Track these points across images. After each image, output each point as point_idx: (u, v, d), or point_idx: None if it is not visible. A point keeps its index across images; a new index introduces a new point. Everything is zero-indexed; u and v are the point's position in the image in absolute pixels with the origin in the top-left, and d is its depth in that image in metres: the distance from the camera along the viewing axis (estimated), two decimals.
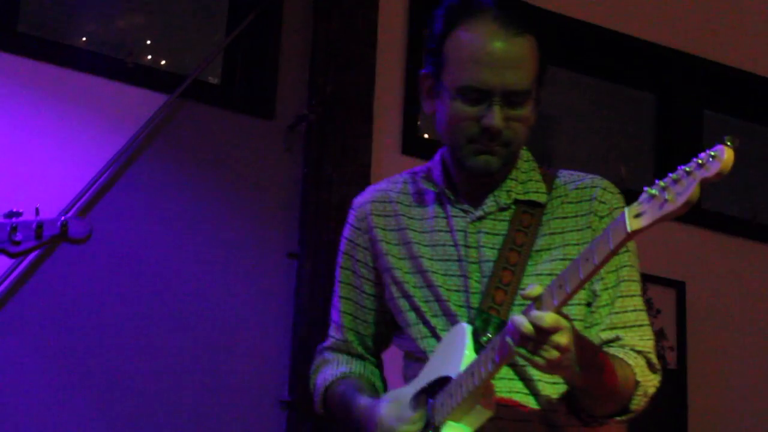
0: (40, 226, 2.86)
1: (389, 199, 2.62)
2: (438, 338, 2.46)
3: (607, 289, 2.46)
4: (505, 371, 2.37)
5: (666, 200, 1.94)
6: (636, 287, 2.49)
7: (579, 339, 2.19)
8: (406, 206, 2.60)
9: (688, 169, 1.92)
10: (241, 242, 4.56)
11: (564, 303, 2.12)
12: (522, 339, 2.13)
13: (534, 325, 2.11)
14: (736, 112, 5.70)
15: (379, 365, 2.73)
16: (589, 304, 2.46)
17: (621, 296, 2.46)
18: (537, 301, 2.14)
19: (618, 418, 2.40)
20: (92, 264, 4.25)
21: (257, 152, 4.67)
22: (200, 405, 4.36)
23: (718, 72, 5.61)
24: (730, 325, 5.36)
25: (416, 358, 2.50)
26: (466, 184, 2.52)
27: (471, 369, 2.28)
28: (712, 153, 1.90)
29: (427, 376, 2.41)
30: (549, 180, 2.54)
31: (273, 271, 4.59)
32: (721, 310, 5.36)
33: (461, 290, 2.45)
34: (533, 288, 2.16)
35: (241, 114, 4.69)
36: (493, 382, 2.30)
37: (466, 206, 2.51)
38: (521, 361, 2.26)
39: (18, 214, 2.89)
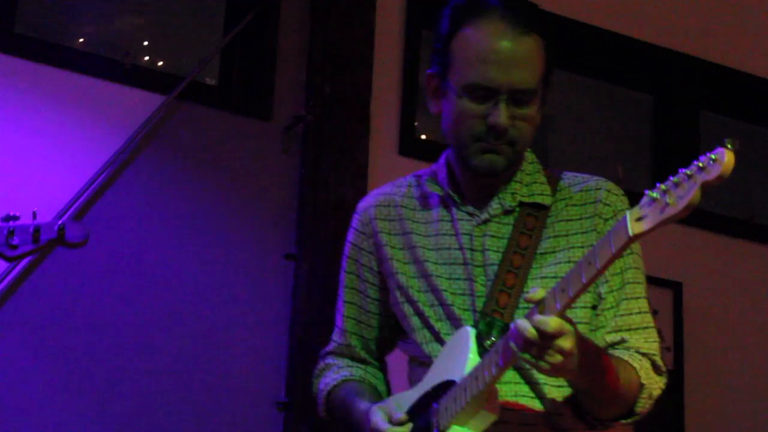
0: (37, 229, 2.86)
1: (393, 203, 2.62)
2: (442, 342, 2.45)
3: (612, 291, 2.46)
4: (511, 375, 2.37)
5: (667, 204, 1.94)
6: (641, 289, 2.49)
7: (581, 342, 2.19)
8: (411, 210, 2.59)
9: (689, 172, 1.92)
10: (239, 243, 4.55)
11: (567, 307, 2.12)
12: (526, 344, 2.13)
13: (538, 329, 2.11)
14: (733, 113, 5.70)
15: (383, 369, 2.73)
16: (594, 307, 2.45)
17: (626, 299, 2.46)
18: (540, 305, 2.14)
19: (623, 421, 2.41)
20: (89, 265, 4.24)
21: (254, 153, 4.67)
22: (197, 406, 4.36)
23: (715, 73, 5.61)
24: (726, 325, 5.36)
25: (421, 363, 2.50)
26: (471, 186, 2.52)
27: (475, 373, 2.28)
28: (713, 156, 1.90)
29: (431, 380, 2.42)
30: (553, 182, 2.54)
31: (270, 272, 4.58)
32: (718, 311, 5.36)
33: (466, 294, 2.45)
34: (536, 292, 2.16)
35: (239, 115, 4.68)
36: (498, 385, 2.30)
37: (471, 209, 2.51)
38: (526, 365, 2.26)
39: (15, 218, 2.89)
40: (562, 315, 2.12)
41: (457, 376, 2.34)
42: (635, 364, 2.39)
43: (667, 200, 1.94)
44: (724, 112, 5.69)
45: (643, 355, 2.43)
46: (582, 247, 2.43)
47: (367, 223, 2.64)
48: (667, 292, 5.23)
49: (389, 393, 2.67)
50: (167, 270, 4.41)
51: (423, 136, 5.03)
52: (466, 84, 2.41)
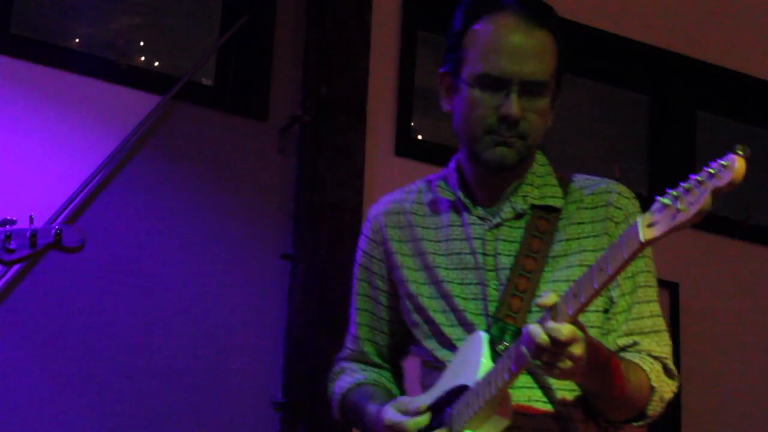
0: (34, 234, 2.87)
1: (403, 209, 2.61)
2: (454, 349, 2.45)
3: (624, 295, 2.45)
4: (524, 379, 2.37)
5: (678, 210, 1.95)
6: (653, 293, 2.49)
7: (590, 346, 2.19)
8: (420, 216, 2.58)
9: (699, 178, 1.93)
10: (235, 244, 4.55)
11: (579, 312, 2.11)
12: (537, 349, 2.13)
13: (550, 336, 2.11)
14: (729, 113, 5.71)
15: (398, 373, 2.72)
16: (605, 311, 2.45)
17: (638, 302, 2.46)
18: (552, 311, 2.14)
19: (634, 423, 2.41)
20: (85, 266, 4.23)
21: (251, 154, 4.66)
22: (194, 406, 4.36)
23: (712, 73, 5.62)
24: (723, 326, 5.37)
25: (434, 367, 2.50)
26: (482, 186, 2.51)
27: (488, 378, 2.28)
28: (724, 162, 1.90)
29: (444, 384, 2.41)
30: (564, 184, 2.53)
31: (267, 273, 4.58)
32: (715, 312, 5.37)
33: (479, 298, 2.45)
34: (548, 297, 2.15)
35: (235, 115, 4.68)
36: (511, 390, 2.30)
37: (482, 213, 2.50)
38: (538, 369, 2.25)
39: (12, 222, 2.90)
40: (574, 321, 2.12)
41: (470, 381, 2.33)
42: (646, 367, 2.39)
43: (679, 206, 1.94)
44: (721, 113, 5.69)
45: (655, 358, 2.43)
46: (594, 250, 2.42)
47: (377, 230, 2.63)
48: (664, 293, 5.23)
49: None
50: (163, 271, 4.41)
51: (419, 137, 5.02)
52: (478, 75, 2.41)
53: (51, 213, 4.19)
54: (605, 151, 5.50)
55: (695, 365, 5.23)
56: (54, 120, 4.35)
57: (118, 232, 4.36)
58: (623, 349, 2.44)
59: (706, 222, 5.93)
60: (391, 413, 2.41)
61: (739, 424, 5.31)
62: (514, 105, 2.39)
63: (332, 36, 4.76)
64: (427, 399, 2.42)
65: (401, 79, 4.93)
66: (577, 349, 2.13)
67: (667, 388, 2.43)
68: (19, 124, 4.30)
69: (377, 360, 2.70)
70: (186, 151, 4.55)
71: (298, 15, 4.83)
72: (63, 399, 4.17)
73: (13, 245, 2.86)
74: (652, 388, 2.39)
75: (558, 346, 2.11)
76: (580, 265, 2.41)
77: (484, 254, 2.46)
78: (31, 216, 2.92)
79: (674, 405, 5.17)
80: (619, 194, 2.50)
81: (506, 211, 2.49)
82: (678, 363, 5.15)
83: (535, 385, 2.39)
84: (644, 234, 1.99)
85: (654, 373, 2.40)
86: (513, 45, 2.40)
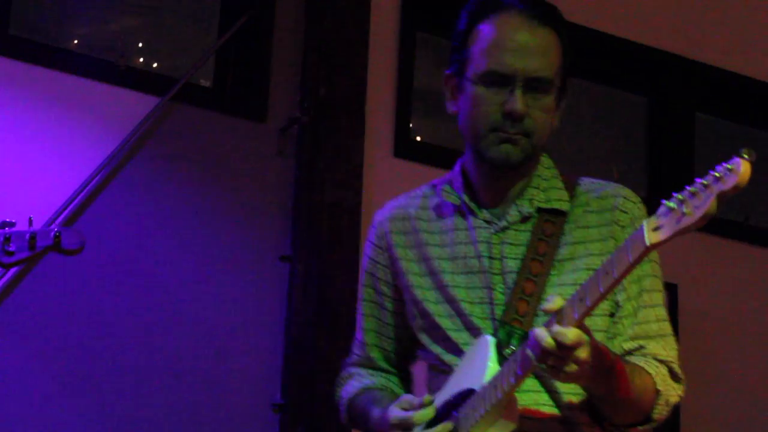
0: (33, 236, 2.87)
1: (408, 215, 2.61)
2: (461, 353, 2.44)
3: (629, 299, 2.45)
4: (530, 383, 2.37)
5: (684, 213, 1.95)
6: (659, 297, 2.50)
7: (595, 350, 2.19)
8: (425, 221, 2.58)
9: (705, 182, 1.93)
10: (234, 245, 4.55)
11: (585, 316, 2.12)
12: (543, 353, 2.13)
13: (556, 340, 2.11)
14: (728, 114, 5.72)
15: (406, 378, 2.72)
16: (611, 315, 2.45)
17: (644, 306, 2.46)
18: (558, 315, 2.14)
19: (640, 427, 2.41)
20: (85, 267, 4.23)
21: (249, 155, 4.66)
22: (193, 407, 4.36)
23: (710, 75, 5.62)
24: (722, 327, 5.37)
25: (441, 370, 2.50)
26: (488, 187, 2.51)
27: (494, 381, 2.28)
28: (729, 166, 1.91)
29: (451, 388, 2.41)
30: (571, 187, 2.53)
31: (265, 274, 4.59)
32: (714, 313, 5.37)
33: (485, 302, 2.44)
34: (554, 301, 2.15)
35: (233, 117, 4.68)
36: (517, 394, 2.30)
37: (488, 216, 2.49)
38: (544, 372, 2.26)
39: (11, 224, 2.90)
40: (579, 324, 2.13)
41: (476, 385, 2.33)
42: (651, 371, 2.39)
43: (684, 210, 1.95)
44: (719, 114, 5.70)
45: (661, 362, 2.43)
46: (600, 254, 2.42)
47: (382, 236, 2.63)
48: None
49: None
50: (162, 272, 4.41)
51: (418, 138, 5.02)
52: (483, 72, 2.42)
53: (50, 214, 4.19)
54: (604, 152, 5.50)
55: (694, 366, 5.22)
56: (53, 121, 4.35)
57: (117, 234, 4.36)
58: (629, 352, 2.44)
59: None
60: (396, 411, 2.41)
61: (739, 425, 5.32)
62: (518, 101, 2.39)
63: (331, 37, 4.76)
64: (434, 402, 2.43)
65: (400, 81, 4.93)
66: (583, 353, 2.13)
67: (672, 392, 2.43)
68: (17, 126, 4.30)
69: (384, 365, 2.70)
70: (185, 152, 4.55)
71: (297, 16, 4.83)
72: (63, 399, 4.17)
73: (12, 247, 2.87)
74: (657, 392, 2.39)
75: (564, 349, 2.11)
76: (587, 269, 2.40)
77: (490, 258, 2.46)
78: (30, 218, 2.92)
79: (674, 405, 5.18)
80: (626, 198, 2.50)
81: (512, 214, 2.48)
82: None
83: (541, 389, 2.39)
84: (650, 238, 2.00)
85: (659, 376, 2.40)
86: (517, 42, 2.40)
